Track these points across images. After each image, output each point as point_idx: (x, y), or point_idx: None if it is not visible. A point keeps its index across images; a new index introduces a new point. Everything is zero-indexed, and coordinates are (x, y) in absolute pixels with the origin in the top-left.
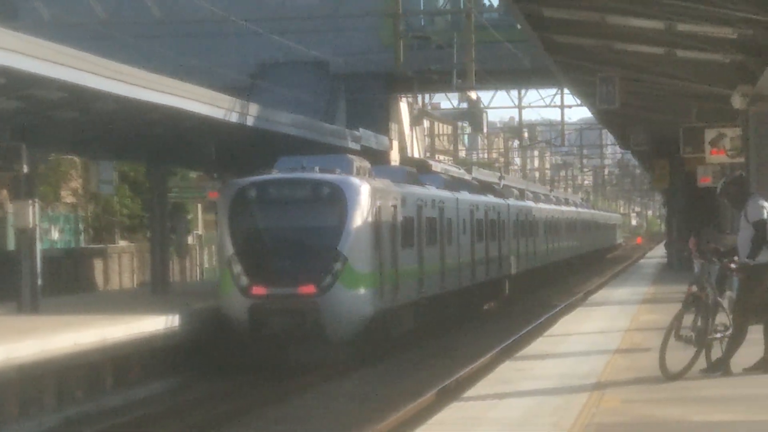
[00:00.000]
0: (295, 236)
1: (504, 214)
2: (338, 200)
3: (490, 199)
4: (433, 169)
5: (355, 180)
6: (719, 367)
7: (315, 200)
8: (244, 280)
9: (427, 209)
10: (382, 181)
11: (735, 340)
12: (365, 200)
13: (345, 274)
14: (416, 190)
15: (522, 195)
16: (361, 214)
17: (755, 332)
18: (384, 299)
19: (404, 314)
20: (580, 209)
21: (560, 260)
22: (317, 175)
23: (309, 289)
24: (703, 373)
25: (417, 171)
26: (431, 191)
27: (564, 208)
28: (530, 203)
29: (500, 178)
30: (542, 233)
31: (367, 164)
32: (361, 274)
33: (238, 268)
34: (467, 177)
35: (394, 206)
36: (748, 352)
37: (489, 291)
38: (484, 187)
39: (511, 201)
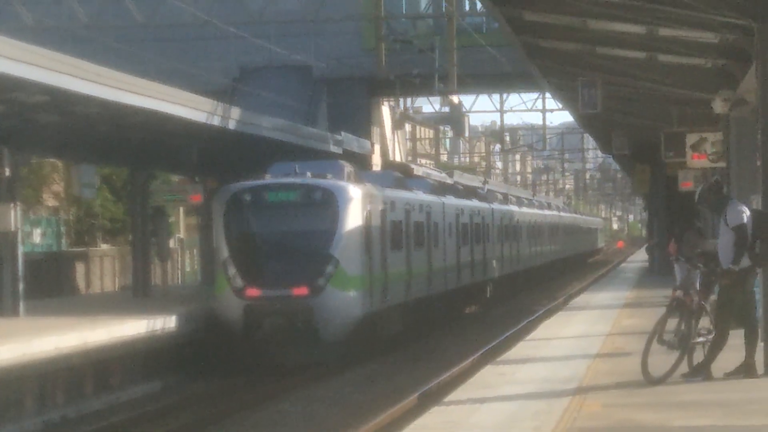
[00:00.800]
0: (289, 239)
1: (488, 218)
2: (330, 204)
3: (475, 203)
4: (415, 172)
5: (346, 185)
6: (700, 372)
7: (308, 204)
8: (239, 282)
9: (414, 213)
10: (372, 186)
11: (716, 345)
12: (356, 205)
13: (337, 276)
14: (404, 194)
15: (506, 199)
16: (352, 218)
17: (737, 337)
18: (374, 301)
19: (393, 316)
20: (562, 213)
21: (543, 264)
22: (310, 180)
23: (302, 290)
24: (684, 377)
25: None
26: (419, 196)
27: (547, 212)
28: (513, 207)
29: (484, 182)
30: (525, 237)
31: (357, 169)
32: (352, 277)
33: (232, 270)
34: (451, 181)
35: (384, 210)
36: (729, 357)
37: (474, 294)
38: (469, 192)
39: (495, 205)
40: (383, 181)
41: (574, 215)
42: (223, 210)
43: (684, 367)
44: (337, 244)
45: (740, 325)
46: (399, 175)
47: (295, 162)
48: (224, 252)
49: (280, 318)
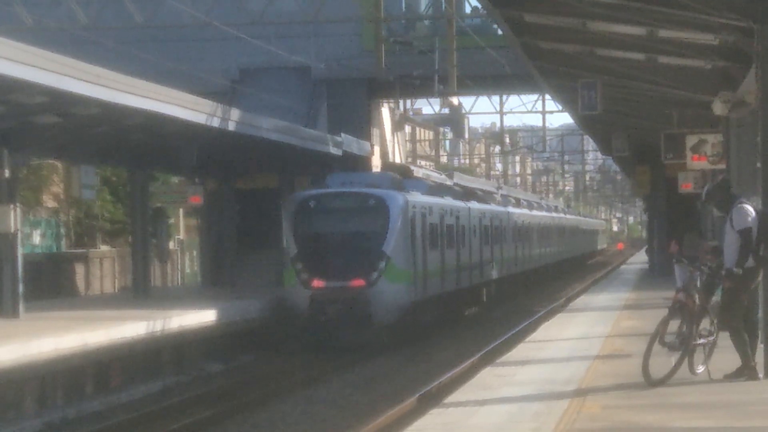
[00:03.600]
0: (348, 239)
1: (504, 221)
2: (383, 210)
3: (493, 207)
4: (415, 174)
5: (396, 193)
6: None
7: (364, 210)
8: (306, 275)
9: (447, 217)
10: (415, 194)
11: (738, 344)
12: (404, 210)
13: (388, 270)
14: (439, 201)
15: (518, 203)
16: (400, 221)
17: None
18: (417, 292)
19: (431, 305)
20: (567, 216)
21: (551, 263)
22: (365, 189)
23: (359, 282)
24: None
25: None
26: (449, 202)
27: (554, 214)
28: (525, 210)
29: (498, 188)
30: (535, 238)
31: (401, 179)
32: (400, 271)
33: (300, 265)
34: (457, 186)
35: (424, 215)
36: (730, 359)
37: (493, 289)
38: (488, 196)
39: (510, 209)
40: (420, 188)
41: (579, 218)
42: (291, 215)
43: (684, 370)
44: (388, 243)
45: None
46: (432, 183)
47: (350, 173)
48: (293, 250)
49: (340, 305)
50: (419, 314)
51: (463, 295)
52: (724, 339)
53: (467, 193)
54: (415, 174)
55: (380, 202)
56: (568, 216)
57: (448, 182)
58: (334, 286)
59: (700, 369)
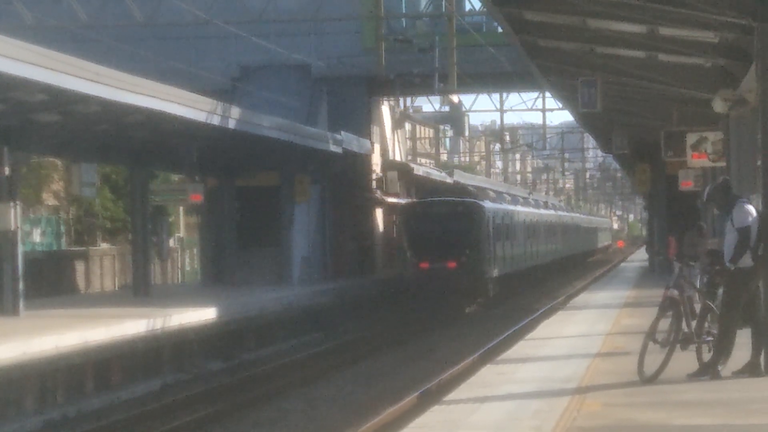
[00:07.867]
0: (445, 234)
1: (540, 220)
2: (468, 214)
3: (531, 209)
4: (415, 172)
5: (478, 202)
6: (707, 371)
7: (455, 214)
8: (415, 260)
9: (506, 218)
10: (487, 202)
11: (722, 344)
12: (483, 214)
13: (471, 257)
14: (499, 206)
15: (546, 205)
16: (481, 222)
17: (743, 336)
18: (492, 272)
19: (497, 283)
20: (582, 216)
21: (571, 254)
22: (456, 199)
23: (453, 264)
24: (690, 377)
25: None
26: (504, 206)
27: (573, 214)
28: (552, 211)
29: (530, 193)
30: (560, 234)
31: (476, 191)
32: (480, 258)
33: (411, 252)
34: (520, 194)
35: (494, 217)
36: (741, 356)
37: (532, 274)
38: (526, 201)
39: (542, 210)
40: (487, 197)
41: (591, 217)
42: (404, 217)
43: (678, 366)
44: (474, 237)
45: (746, 324)
46: (492, 193)
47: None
48: (406, 242)
49: (440, 281)
50: (492, 289)
51: (517, 277)
52: (739, 336)
53: (513, 199)
54: (415, 172)
55: (467, 208)
56: (582, 216)
57: (520, 194)
58: (435, 267)
59: (718, 368)
